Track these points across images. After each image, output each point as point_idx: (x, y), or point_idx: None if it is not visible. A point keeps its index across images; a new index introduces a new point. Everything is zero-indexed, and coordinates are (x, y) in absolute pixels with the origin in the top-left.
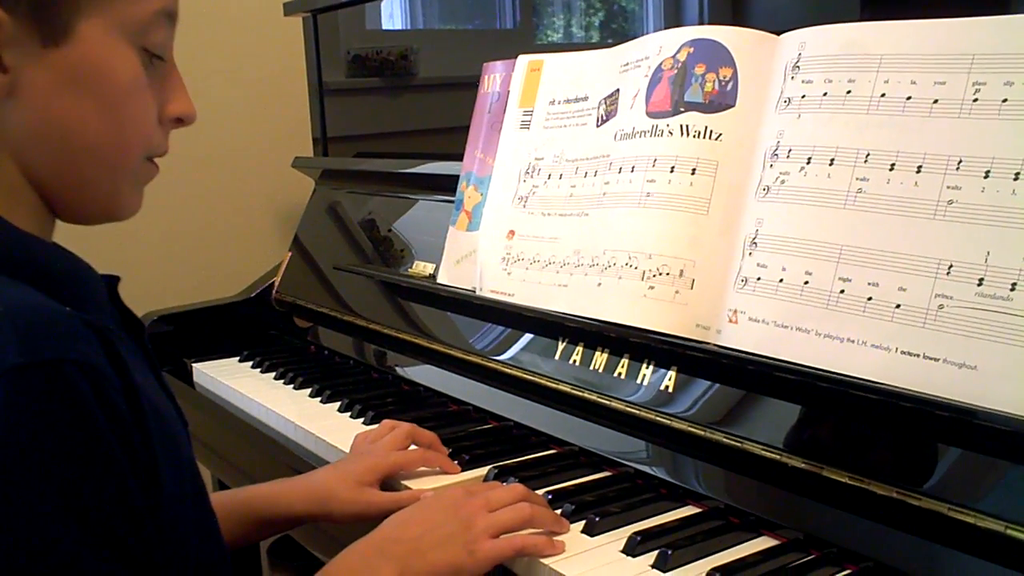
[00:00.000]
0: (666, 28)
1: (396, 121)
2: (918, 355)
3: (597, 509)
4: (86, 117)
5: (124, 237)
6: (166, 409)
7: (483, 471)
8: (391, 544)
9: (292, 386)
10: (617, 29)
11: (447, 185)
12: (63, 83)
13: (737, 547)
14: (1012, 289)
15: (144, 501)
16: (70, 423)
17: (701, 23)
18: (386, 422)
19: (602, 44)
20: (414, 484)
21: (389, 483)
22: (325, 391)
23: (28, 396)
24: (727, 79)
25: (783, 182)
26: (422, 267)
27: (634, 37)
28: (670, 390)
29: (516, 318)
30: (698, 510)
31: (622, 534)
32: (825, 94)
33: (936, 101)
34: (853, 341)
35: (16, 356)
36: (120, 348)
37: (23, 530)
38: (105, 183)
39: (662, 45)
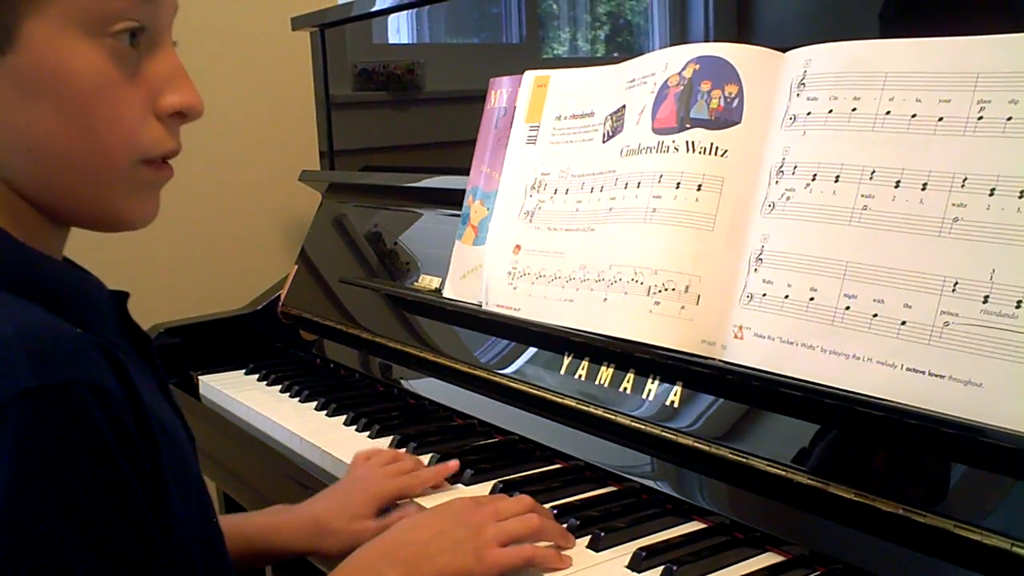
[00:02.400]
0: (671, 44)
1: (402, 135)
2: (923, 372)
3: (602, 524)
4: (49, 124)
5: (131, 249)
6: (173, 426)
7: (488, 485)
8: (398, 548)
9: (298, 399)
10: (622, 44)
11: (453, 199)
12: (19, 91)
13: (742, 563)
14: (1017, 307)
15: (154, 520)
16: (82, 445)
17: (707, 39)
18: (386, 452)
19: (607, 59)
20: (422, 501)
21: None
22: (331, 404)
23: (41, 419)
24: (733, 96)
25: (788, 199)
26: (428, 281)
27: (639, 53)
28: (675, 405)
29: (522, 332)
30: (703, 526)
31: (627, 549)
32: (830, 111)
33: (941, 119)
34: (858, 358)
35: (29, 379)
36: (128, 368)
37: (35, 551)
38: (89, 191)
39: (668, 62)
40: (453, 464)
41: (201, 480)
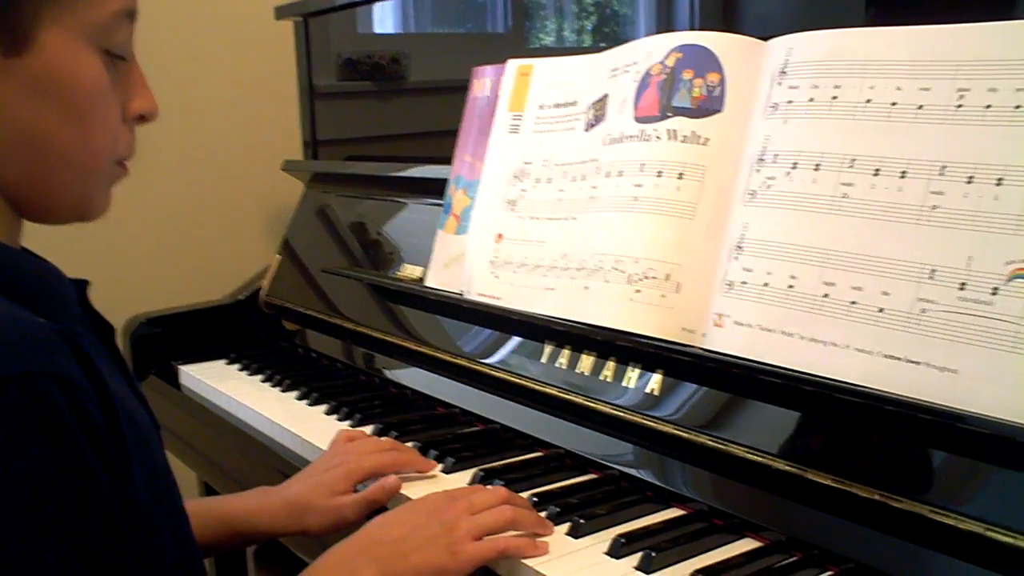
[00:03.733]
0: (657, 33)
1: (386, 125)
2: (901, 359)
3: (582, 511)
4: (53, 125)
5: (113, 239)
6: (138, 413)
7: (469, 474)
8: (373, 545)
9: (279, 389)
10: (608, 34)
11: (436, 189)
12: (28, 92)
13: (720, 549)
14: (993, 293)
15: (120, 509)
16: (46, 436)
17: (692, 29)
18: (370, 437)
19: (593, 49)
20: (405, 489)
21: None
22: (312, 394)
23: (5, 410)
24: (715, 84)
25: (769, 187)
26: (411, 270)
27: (625, 42)
28: (656, 393)
29: (503, 321)
30: (682, 512)
31: (607, 536)
32: (811, 100)
33: (921, 107)
34: (837, 345)
35: None
36: (94, 357)
37: (1, 542)
38: (76, 188)
39: (651, 50)
40: (431, 463)
41: (167, 467)
